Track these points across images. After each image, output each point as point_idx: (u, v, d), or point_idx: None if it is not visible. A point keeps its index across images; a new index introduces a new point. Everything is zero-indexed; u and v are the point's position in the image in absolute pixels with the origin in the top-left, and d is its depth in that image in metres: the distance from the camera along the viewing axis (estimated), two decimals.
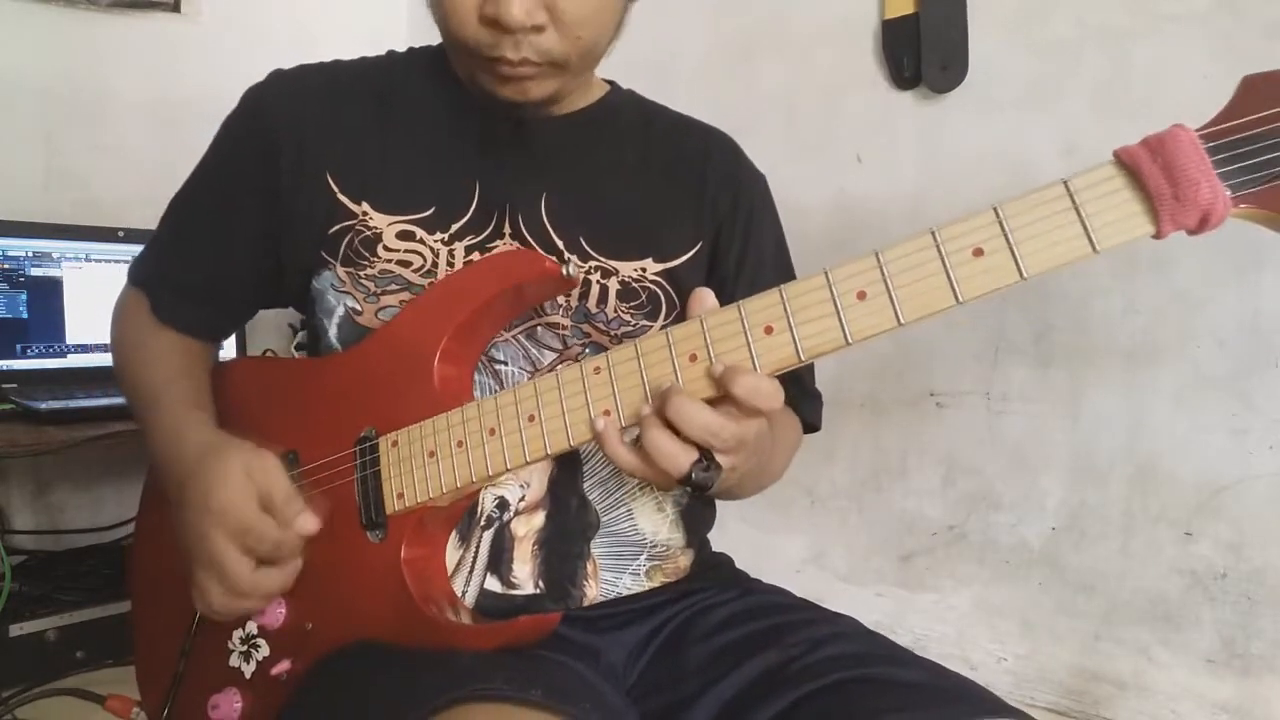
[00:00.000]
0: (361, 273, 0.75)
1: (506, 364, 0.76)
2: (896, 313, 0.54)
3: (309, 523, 0.66)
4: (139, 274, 0.87)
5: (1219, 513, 1.24)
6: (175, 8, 1.85)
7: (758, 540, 1.64)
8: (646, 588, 0.78)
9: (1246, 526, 1.22)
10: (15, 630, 1.37)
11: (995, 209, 0.52)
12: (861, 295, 0.55)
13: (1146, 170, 0.49)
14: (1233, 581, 1.23)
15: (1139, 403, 1.29)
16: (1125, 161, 0.50)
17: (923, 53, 1.43)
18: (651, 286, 0.78)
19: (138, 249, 0.89)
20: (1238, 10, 1.19)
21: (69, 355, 1.58)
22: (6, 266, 1.52)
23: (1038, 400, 1.38)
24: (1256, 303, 1.20)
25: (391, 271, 0.75)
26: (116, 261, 1.63)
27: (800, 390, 0.87)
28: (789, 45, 1.62)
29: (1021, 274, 0.51)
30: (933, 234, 0.53)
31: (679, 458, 0.57)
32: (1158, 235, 0.50)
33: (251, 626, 0.74)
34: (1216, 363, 1.23)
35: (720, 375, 0.57)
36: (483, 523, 0.74)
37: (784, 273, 0.89)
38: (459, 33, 0.67)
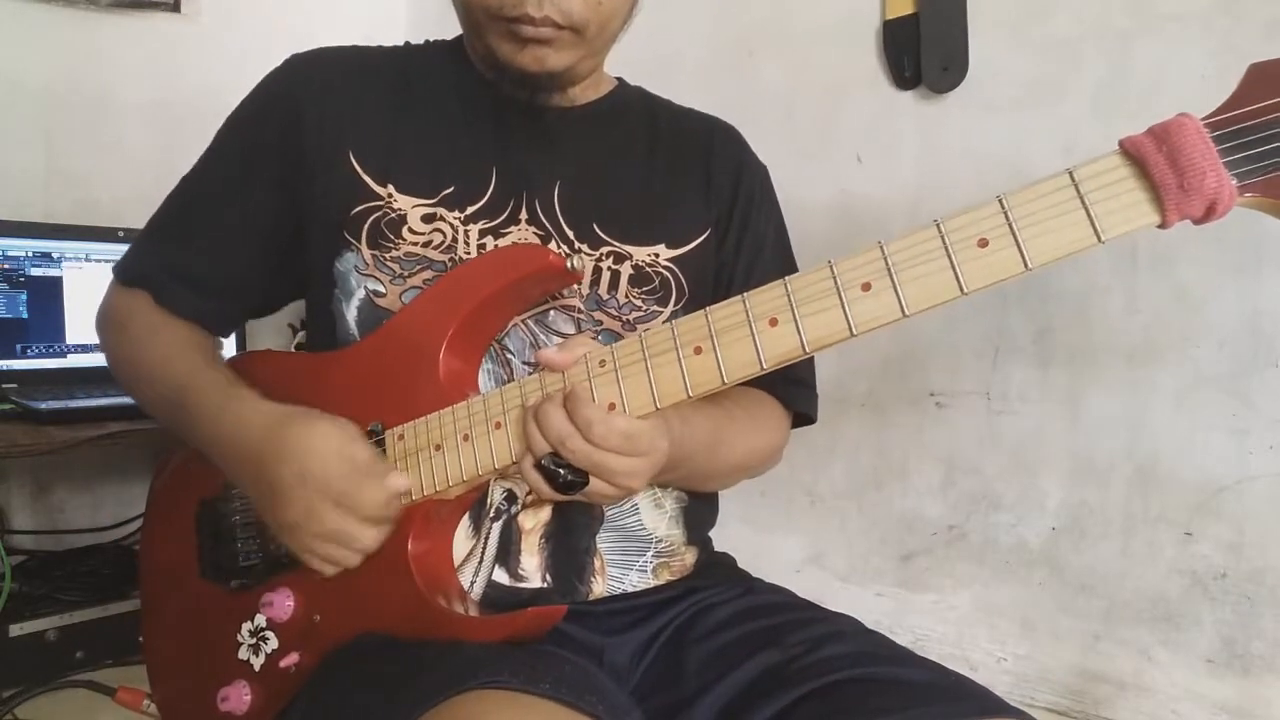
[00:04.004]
0: (387, 255, 0.76)
1: (515, 355, 0.76)
2: (901, 303, 0.54)
3: (398, 480, 0.68)
4: (133, 272, 0.85)
5: (1219, 513, 1.24)
6: (175, 8, 1.84)
7: (758, 540, 1.64)
8: (652, 584, 0.78)
9: (1246, 526, 1.22)
10: (15, 630, 1.37)
11: (1000, 199, 0.52)
12: (866, 286, 0.54)
13: (1152, 159, 0.48)
14: (1233, 581, 1.23)
15: (1139, 403, 1.29)
16: (1130, 151, 0.50)
17: (923, 53, 1.43)
18: (664, 272, 0.79)
19: None
20: (1238, 10, 1.19)
21: (69, 355, 1.57)
22: (6, 266, 1.52)
23: (1038, 400, 1.38)
24: (1256, 303, 1.19)
25: (416, 254, 0.76)
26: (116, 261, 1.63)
27: (791, 379, 0.84)
28: (789, 45, 1.62)
29: (1026, 264, 0.51)
30: (937, 224, 0.53)
31: (536, 441, 0.61)
32: (1163, 225, 0.49)
33: (260, 619, 0.74)
34: (1216, 363, 1.23)
35: (565, 396, 0.61)
36: (491, 514, 0.74)
37: (783, 259, 0.90)
38: None
